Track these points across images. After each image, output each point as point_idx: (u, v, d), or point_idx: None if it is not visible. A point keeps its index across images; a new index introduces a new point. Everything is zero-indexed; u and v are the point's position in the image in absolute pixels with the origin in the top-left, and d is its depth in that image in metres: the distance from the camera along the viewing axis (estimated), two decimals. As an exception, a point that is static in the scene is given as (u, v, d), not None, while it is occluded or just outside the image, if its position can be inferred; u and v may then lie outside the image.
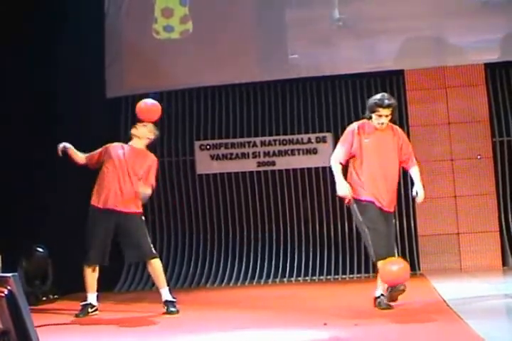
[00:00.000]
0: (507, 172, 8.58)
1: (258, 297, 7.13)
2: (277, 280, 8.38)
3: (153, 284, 6.35)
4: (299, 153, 8.75)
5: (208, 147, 8.87)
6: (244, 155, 8.80)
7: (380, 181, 5.51)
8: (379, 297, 5.51)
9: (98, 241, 5.95)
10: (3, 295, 2.58)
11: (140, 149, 6.22)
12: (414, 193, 5.62)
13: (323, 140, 8.74)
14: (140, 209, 6.12)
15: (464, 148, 8.60)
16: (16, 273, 2.67)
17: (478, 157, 8.56)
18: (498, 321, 4.86)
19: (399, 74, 8.71)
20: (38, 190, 7.93)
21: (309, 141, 8.76)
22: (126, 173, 6.08)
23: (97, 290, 6.11)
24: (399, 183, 6.01)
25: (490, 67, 8.58)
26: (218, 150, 8.81)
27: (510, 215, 8.50)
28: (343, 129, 8.58)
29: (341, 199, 6.00)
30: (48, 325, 5.39)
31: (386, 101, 5.54)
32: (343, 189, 5.42)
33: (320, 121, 8.83)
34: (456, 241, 8.51)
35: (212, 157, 8.83)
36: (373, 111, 5.58)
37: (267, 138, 8.82)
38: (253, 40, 8.53)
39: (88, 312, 5.98)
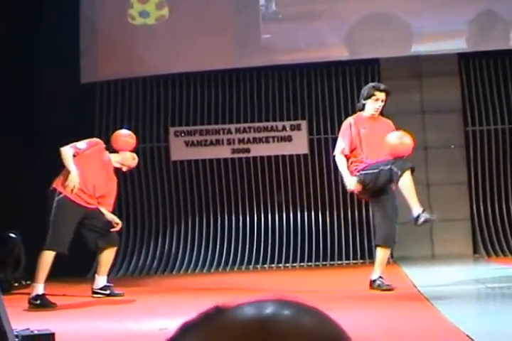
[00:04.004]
0: (479, 162, 8.67)
1: (233, 283, 7.13)
2: (251, 266, 8.39)
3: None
4: (273, 141, 8.76)
5: (183, 133, 8.85)
6: (218, 142, 8.79)
7: None
8: (376, 280, 5.61)
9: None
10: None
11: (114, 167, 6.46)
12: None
13: (298, 127, 8.76)
14: None
15: (437, 137, 8.66)
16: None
17: (452, 146, 8.63)
18: (468, 306, 4.94)
19: (374, 63, 8.74)
20: (10, 177, 7.86)
21: (284, 128, 8.77)
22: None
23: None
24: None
25: (463, 57, 8.65)
26: (193, 137, 8.79)
27: (481, 204, 8.59)
28: (318, 117, 8.73)
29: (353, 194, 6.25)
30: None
31: (382, 86, 5.87)
32: (350, 184, 5.63)
33: (295, 108, 8.84)
34: (429, 229, 8.58)
35: (186, 143, 8.82)
36: (370, 96, 5.77)
37: (241, 125, 8.81)
38: (229, 27, 8.50)
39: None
